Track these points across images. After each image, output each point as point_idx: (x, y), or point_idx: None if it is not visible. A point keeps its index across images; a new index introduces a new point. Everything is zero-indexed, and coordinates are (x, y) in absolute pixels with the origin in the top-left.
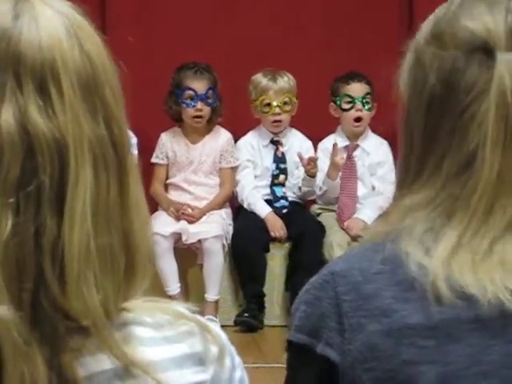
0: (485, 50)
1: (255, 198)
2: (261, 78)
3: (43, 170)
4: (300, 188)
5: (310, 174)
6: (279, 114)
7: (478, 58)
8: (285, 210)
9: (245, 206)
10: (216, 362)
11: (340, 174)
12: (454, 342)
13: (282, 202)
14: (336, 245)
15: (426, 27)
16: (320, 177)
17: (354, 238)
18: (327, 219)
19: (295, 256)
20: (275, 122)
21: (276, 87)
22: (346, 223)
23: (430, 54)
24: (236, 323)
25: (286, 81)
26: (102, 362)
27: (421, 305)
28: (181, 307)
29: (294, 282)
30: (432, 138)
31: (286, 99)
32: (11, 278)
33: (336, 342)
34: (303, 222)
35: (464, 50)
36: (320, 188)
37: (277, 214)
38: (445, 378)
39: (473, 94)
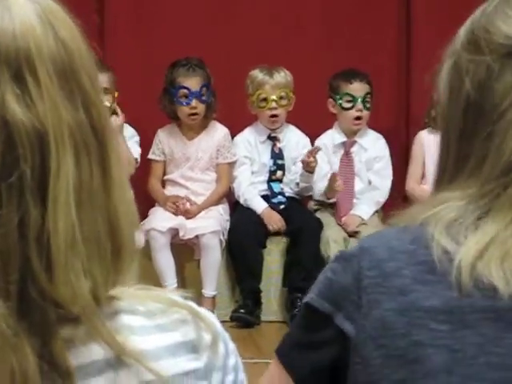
0: None
1: (251, 194)
2: (257, 73)
3: (24, 160)
4: (298, 184)
5: (309, 170)
6: (276, 108)
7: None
8: (282, 206)
9: (241, 202)
10: (209, 350)
11: (337, 170)
12: (466, 328)
13: (280, 197)
14: (332, 241)
15: (462, 32)
16: (317, 172)
17: (351, 234)
18: (323, 215)
19: (293, 252)
20: (272, 116)
21: (272, 82)
22: (343, 219)
23: (465, 59)
24: (232, 319)
25: (282, 76)
26: (94, 352)
27: (439, 288)
28: (173, 295)
29: (291, 277)
30: (469, 143)
31: (283, 94)
32: None
33: (354, 316)
34: (301, 218)
35: (499, 55)
36: (317, 195)
37: (274, 209)
38: (451, 363)
39: (510, 99)
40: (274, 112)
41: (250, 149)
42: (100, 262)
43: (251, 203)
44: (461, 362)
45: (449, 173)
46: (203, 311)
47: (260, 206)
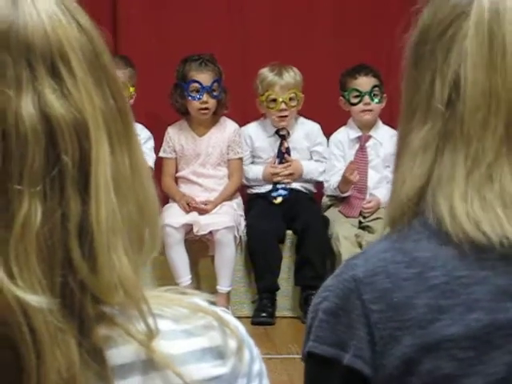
0: None
1: (249, 167)
2: (267, 73)
3: (65, 152)
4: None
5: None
6: (285, 109)
7: None
8: (280, 199)
9: (246, 182)
10: (235, 356)
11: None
12: (494, 350)
13: (280, 191)
14: (342, 237)
15: None
16: (331, 167)
17: (363, 227)
18: (334, 211)
19: (302, 250)
20: (281, 117)
21: (282, 82)
22: (364, 204)
23: None
24: (253, 323)
25: (292, 76)
26: (126, 353)
27: (457, 313)
28: (198, 299)
29: (302, 276)
30: (419, 67)
31: (292, 95)
32: (45, 266)
33: (366, 354)
34: (307, 216)
35: None
36: (331, 190)
37: (271, 203)
38: None
39: (453, 15)
40: (283, 114)
41: (250, 143)
42: (137, 245)
43: (250, 170)
44: None
45: (410, 111)
46: (228, 317)
47: (258, 171)
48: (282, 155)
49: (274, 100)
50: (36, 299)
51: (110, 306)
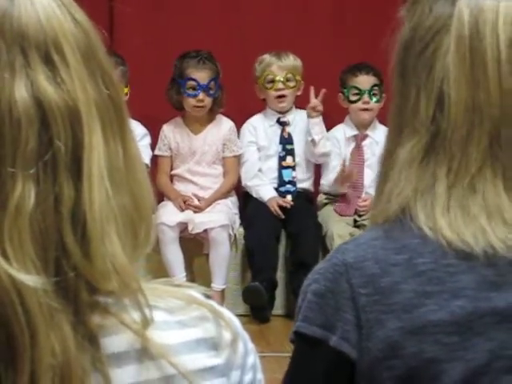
0: None
1: (260, 182)
2: (266, 56)
3: (58, 137)
4: (313, 140)
5: (313, 116)
6: (283, 89)
7: None
8: (289, 196)
9: (249, 190)
10: (229, 348)
11: (348, 162)
12: (476, 336)
13: (288, 186)
14: (336, 235)
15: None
16: (328, 163)
17: (358, 226)
18: (329, 209)
19: (295, 254)
20: (279, 97)
21: (280, 63)
22: (360, 202)
23: (408, 6)
24: (244, 293)
25: (290, 59)
26: (120, 342)
27: (443, 299)
28: (193, 291)
29: (296, 279)
30: (405, 81)
31: (289, 75)
32: (39, 248)
33: (353, 337)
34: (302, 220)
35: None
36: (328, 185)
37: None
38: (468, 375)
39: (434, 30)
40: (281, 93)
41: (254, 133)
42: (131, 237)
43: (259, 191)
44: (476, 371)
45: (397, 123)
46: (223, 310)
47: (267, 194)
48: (285, 142)
49: (272, 80)
50: (30, 279)
51: (104, 294)
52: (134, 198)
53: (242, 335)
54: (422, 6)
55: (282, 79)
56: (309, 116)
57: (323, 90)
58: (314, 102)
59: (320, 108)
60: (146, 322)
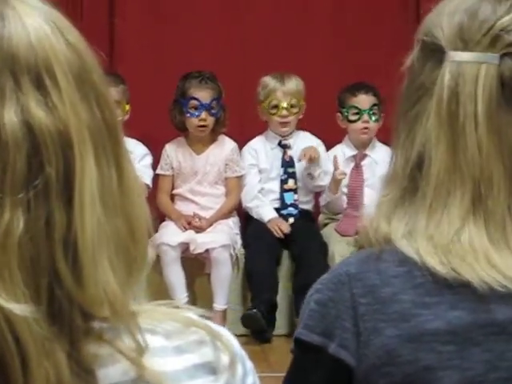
0: (440, 52)
1: (261, 203)
2: (269, 80)
3: (49, 163)
4: (310, 174)
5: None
6: (286, 116)
7: (433, 60)
8: (291, 219)
9: (250, 212)
10: (227, 371)
11: (347, 182)
12: (473, 347)
13: (290, 209)
14: (338, 255)
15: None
16: (327, 182)
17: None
18: (330, 229)
19: (300, 276)
20: (282, 123)
21: (284, 88)
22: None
23: (411, 60)
24: (242, 320)
25: (293, 83)
26: (115, 372)
27: (441, 310)
28: (191, 313)
29: (300, 301)
30: (393, 139)
31: (294, 101)
32: (28, 276)
33: (351, 344)
34: (305, 241)
35: (426, 51)
36: (324, 199)
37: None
38: (464, 383)
39: (420, 92)
40: (285, 120)
41: (256, 156)
42: (125, 262)
43: (259, 211)
44: (472, 381)
45: (390, 173)
46: (221, 331)
47: (267, 215)
48: (286, 165)
49: (276, 106)
50: (19, 308)
51: (98, 320)
52: (128, 221)
53: (241, 356)
54: (416, 66)
55: (286, 106)
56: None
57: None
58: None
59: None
60: (141, 350)
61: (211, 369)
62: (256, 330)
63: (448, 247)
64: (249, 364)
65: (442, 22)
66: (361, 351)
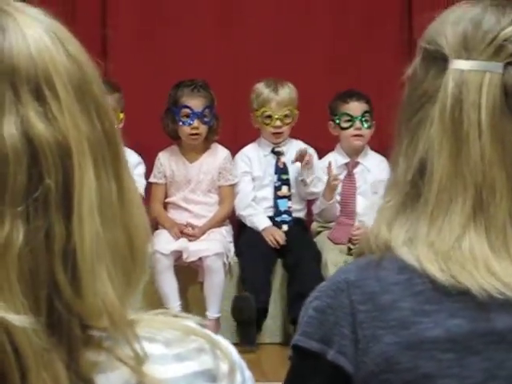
0: (443, 60)
1: (254, 211)
2: (263, 89)
3: (48, 175)
4: (303, 180)
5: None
6: (280, 126)
7: (436, 68)
8: (285, 226)
9: (243, 220)
10: (227, 379)
11: (340, 190)
12: (473, 355)
13: (284, 216)
14: (331, 264)
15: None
16: (320, 189)
17: (352, 254)
18: (323, 238)
19: (294, 285)
20: (275, 133)
21: (278, 98)
22: (354, 231)
23: (413, 67)
24: (234, 302)
25: (287, 92)
26: (115, 379)
27: (441, 318)
28: (190, 322)
29: (296, 310)
30: (395, 146)
31: (287, 112)
32: (27, 287)
33: (349, 351)
34: (299, 250)
35: (429, 59)
36: (318, 207)
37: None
38: None
39: (423, 100)
40: (278, 130)
41: (249, 163)
42: (123, 273)
43: (253, 220)
44: None
45: (391, 179)
46: (220, 339)
47: (262, 223)
48: (280, 171)
49: (270, 116)
50: (18, 319)
51: (96, 330)
52: (127, 233)
53: (240, 364)
54: (419, 74)
55: (279, 116)
56: (302, 166)
57: (309, 155)
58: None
59: (310, 164)
60: (140, 360)
61: (211, 376)
62: (245, 317)
63: (448, 254)
64: (247, 373)
65: (445, 31)
66: (359, 358)
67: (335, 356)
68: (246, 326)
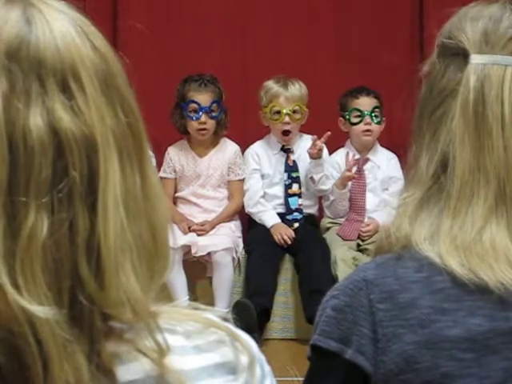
0: (463, 55)
1: (264, 208)
2: (272, 84)
3: (73, 167)
4: (312, 178)
5: (315, 157)
6: (288, 123)
7: (457, 63)
8: (296, 224)
9: (253, 216)
10: (246, 371)
11: (349, 186)
12: (492, 354)
13: (295, 214)
14: (340, 260)
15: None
16: (329, 186)
17: (360, 250)
18: (332, 234)
19: (307, 281)
20: (284, 132)
21: (287, 94)
22: (364, 227)
23: (430, 63)
24: (234, 307)
25: (297, 88)
26: (136, 369)
27: (459, 316)
28: (211, 314)
29: (311, 307)
30: (416, 140)
31: (296, 107)
32: (51, 278)
33: (368, 350)
34: (310, 247)
35: (448, 54)
36: (328, 198)
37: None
38: None
39: (444, 94)
40: (287, 128)
41: (258, 161)
42: (146, 265)
43: (262, 217)
44: None
45: (410, 174)
46: (240, 333)
47: (270, 220)
48: (290, 169)
49: (278, 112)
50: (42, 310)
51: (119, 321)
52: (151, 227)
53: (259, 358)
54: (437, 69)
55: (288, 112)
56: (310, 157)
57: (328, 133)
58: (317, 146)
59: (321, 153)
60: (162, 351)
61: (231, 368)
62: (244, 325)
63: (469, 247)
64: (267, 367)
65: (465, 27)
66: (378, 357)
67: (354, 355)
68: (246, 332)
